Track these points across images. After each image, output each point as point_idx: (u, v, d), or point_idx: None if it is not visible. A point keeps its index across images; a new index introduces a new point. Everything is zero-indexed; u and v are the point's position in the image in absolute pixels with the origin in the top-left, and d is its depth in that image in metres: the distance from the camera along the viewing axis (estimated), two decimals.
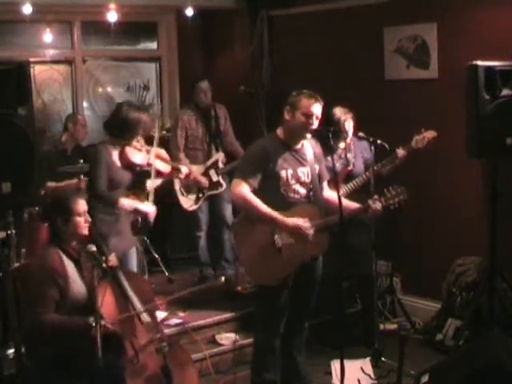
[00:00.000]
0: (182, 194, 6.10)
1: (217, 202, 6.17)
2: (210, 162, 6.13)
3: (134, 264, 4.92)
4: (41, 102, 7.23)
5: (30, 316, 3.92)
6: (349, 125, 5.39)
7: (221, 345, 5.32)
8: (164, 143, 6.33)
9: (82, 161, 5.44)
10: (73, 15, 7.14)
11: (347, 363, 4.34)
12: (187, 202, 6.11)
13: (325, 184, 4.66)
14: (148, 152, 4.88)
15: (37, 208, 5.35)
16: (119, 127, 4.70)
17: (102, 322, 3.72)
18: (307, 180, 4.47)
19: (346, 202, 4.45)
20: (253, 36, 7.11)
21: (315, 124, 4.37)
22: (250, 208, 4.33)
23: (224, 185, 6.09)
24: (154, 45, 7.87)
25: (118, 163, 4.74)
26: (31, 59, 6.26)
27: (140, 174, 5.04)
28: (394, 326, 5.86)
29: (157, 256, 6.45)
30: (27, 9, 6.07)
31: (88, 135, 6.38)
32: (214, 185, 6.11)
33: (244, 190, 4.31)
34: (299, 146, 4.48)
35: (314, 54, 6.74)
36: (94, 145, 5.03)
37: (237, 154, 6.17)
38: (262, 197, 4.33)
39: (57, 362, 3.90)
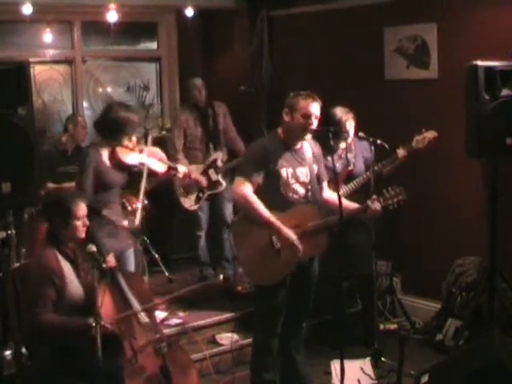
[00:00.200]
0: (183, 194, 6.10)
1: (217, 202, 6.17)
2: (208, 162, 6.13)
3: (131, 265, 4.90)
4: (41, 102, 7.22)
5: (29, 316, 3.93)
6: (350, 125, 5.39)
7: (221, 345, 5.32)
8: (164, 143, 6.34)
9: None
10: (73, 15, 7.14)
11: (347, 363, 4.35)
12: (188, 201, 6.11)
13: (324, 184, 4.66)
14: (141, 152, 4.83)
15: (37, 208, 5.36)
16: (109, 128, 4.66)
17: (101, 322, 3.72)
18: (306, 180, 4.47)
19: (345, 203, 4.45)
20: (253, 36, 7.11)
21: (315, 124, 4.38)
22: (251, 209, 4.33)
23: (223, 184, 6.09)
24: (154, 45, 7.87)
25: (109, 164, 4.69)
26: (31, 59, 6.24)
27: (134, 174, 5.00)
28: (393, 326, 5.86)
29: (157, 256, 6.45)
30: (27, 9, 6.06)
31: (88, 136, 6.37)
32: (214, 184, 6.11)
33: (246, 189, 4.31)
34: (298, 145, 4.48)
35: (314, 54, 6.74)
36: (85, 147, 4.97)
37: (240, 151, 6.15)
38: (262, 196, 4.33)
39: (57, 362, 3.91)
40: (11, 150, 3.78)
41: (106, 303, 3.96)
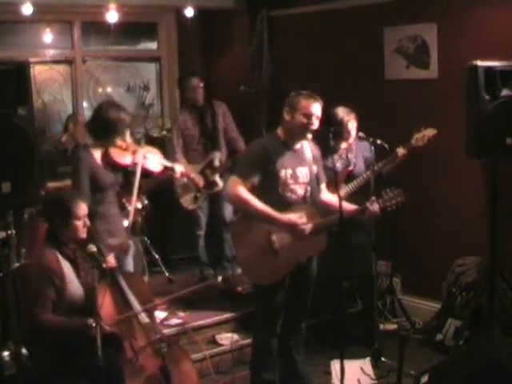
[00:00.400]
0: (182, 194, 6.10)
1: (217, 202, 6.17)
2: (205, 162, 6.12)
3: (130, 265, 4.90)
4: (41, 102, 7.23)
5: (29, 316, 3.93)
6: (352, 125, 5.38)
7: (221, 345, 5.31)
8: (164, 143, 6.34)
9: None
10: (73, 15, 7.14)
11: (347, 363, 4.35)
12: (185, 201, 6.11)
13: (323, 186, 4.66)
14: (134, 152, 4.81)
15: (37, 208, 5.36)
16: (100, 128, 4.64)
17: (101, 324, 3.73)
18: (305, 180, 4.47)
19: (343, 204, 4.45)
20: (253, 36, 7.11)
21: (316, 124, 4.37)
22: (246, 206, 4.33)
23: (220, 184, 6.07)
24: (154, 45, 7.87)
25: (102, 164, 4.65)
26: (31, 59, 6.24)
27: (131, 175, 4.98)
28: (393, 326, 5.86)
29: (157, 256, 6.45)
30: (27, 9, 6.06)
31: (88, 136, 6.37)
32: (210, 184, 6.10)
33: (239, 189, 4.30)
34: (298, 145, 4.48)
35: (314, 54, 6.74)
36: (76, 149, 4.95)
37: (240, 151, 6.14)
38: (260, 196, 4.33)
39: (57, 361, 3.91)
40: (11, 149, 3.78)
41: (106, 304, 3.96)
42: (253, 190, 4.33)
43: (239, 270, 5.58)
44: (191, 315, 5.58)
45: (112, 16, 6.55)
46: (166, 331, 4.91)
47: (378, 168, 5.29)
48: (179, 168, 5.26)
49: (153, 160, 4.94)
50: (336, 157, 5.40)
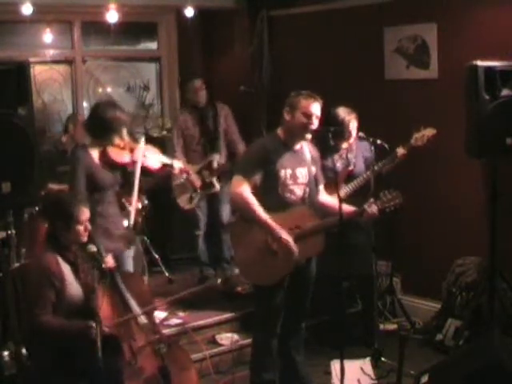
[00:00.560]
0: (178, 193, 6.10)
1: (215, 203, 6.16)
2: (204, 163, 6.11)
3: (130, 265, 4.90)
4: (41, 102, 7.23)
5: (29, 318, 3.93)
6: (353, 125, 5.38)
7: (221, 345, 5.31)
8: (164, 143, 6.34)
9: None
10: (73, 15, 7.14)
11: (347, 363, 4.35)
12: (182, 201, 6.11)
13: (321, 187, 4.66)
14: (132, 150, 4.81)
15: (37, 208, 5.36)
16: (98, 127, 4.64)
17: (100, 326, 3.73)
18: (304, 181, 4.47)
19: (344, 206, 4.46)
20: (253, 36, 7.11)
21: (315, 124, 4.38)
22: (248, 210, 4.32)
23: (217, 186, 6.05)
24: (154, 45, 7.87)
25: (100, 164, 4.65)
26: (31, 59, 6.23)
27: (130, 174, 4.99)
28: (393, 326, 5.86)
29: (157, 256, 6.45)
30: (27, 9, 6.06)
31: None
32: (207, 185, 6.08)
33: (244, 190, 4.30)
34: (298, 146, 4.48)
35: (314, 54, 6.74)
36: (73, 149, 4.95)
37: (239, 153, 6.13)
38: (259, 196, 4.33)
39: (57, 362, 3.91)
40: (11, 149, 3.79)
41: (104, 305, 3.95)
42: (255, 190, 4.33)
43: (237, 271, 5.59)
44: (191, 315, 5.58)
45: (112, 16, 6.55)
46: (166, 331, 4.90)
47: (378, 168, 5.29)
48: (178, 164, 5.26)
49: (151, 157, 4.95)
50: (336, 157, 5.40)
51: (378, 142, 5.28)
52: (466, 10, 5.59)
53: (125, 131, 4.72)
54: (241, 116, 6.53)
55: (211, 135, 6.15)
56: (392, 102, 6.10)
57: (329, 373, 4.92)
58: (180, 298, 4.53)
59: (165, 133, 7.28)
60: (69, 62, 7.33)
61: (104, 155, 4.65)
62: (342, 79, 6.43)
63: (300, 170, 4.45)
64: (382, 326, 5.63)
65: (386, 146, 5.28)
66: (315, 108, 4.36)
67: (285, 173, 4.39)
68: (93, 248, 3.93)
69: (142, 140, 4.95)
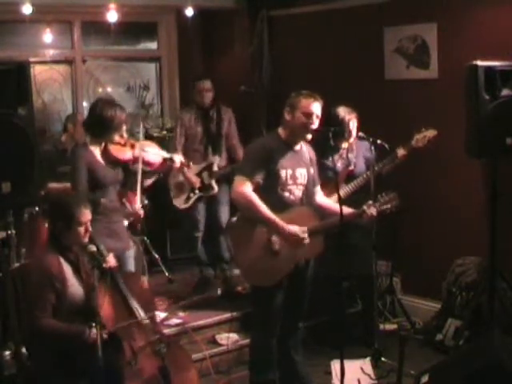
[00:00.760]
0: (174, 192, 6.08)
1: (213, 205, 6.13)
2: (204, 164, 6.10)
3: (132, 265, 4.90)
4: (41, 102, 7.23)
5: (29, 320, 3.93)
6: (353, 125, 5.38)
7: (221, 345, 5.31)
8: (164, 143, 6.33)
9: None
10: (73, 15, 7.14)
11: (347, 363, 4.35)
12: (177, 200, 6.09)
13: (317, 189, 4.67)
14: (132, 147, 4.83)
15: (37, 208, 5.36)
16: (97, 126, 4.65)
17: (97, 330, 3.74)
18: (303, 182, 4.48)
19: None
20: (253, 36, 7.11)
21: (316, 123, 4.38)
22: (252, 209, 4.31)
23: (215, 188, 6.03)
24: (153, 45, 7.87)
25: (103, 162, 4.67)
26: (31, 59, 6.27)
27: (130, 173, 5.00)
28: (393, 326, 5.86)
29: (157, 256, 6.44)
30: (27, 9, 6.06)
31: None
32: (206, 187, 6.07)
33: (247, 189, 4.29)
34: (298, 147, 4.49)
35: (314, 54, 6.74)
36: (74, 148, 4.97)
37: (239, 159, 6.11)
38: (260, 196, 4.32)
39: (57, 362, 3.91)
40: (11, 149, 3.78)
41: (106, 305, 3.95)
42: (257, 190, 4.32)
43: (237, 271, 5.60)
44: (191, 315, 5.59)
45: (112, 16, 6.55)
46: (166, 331, 4.90)
47: (378, 168, 5.29)
48: (178, 158, 5.28)
49: (152, 152, 4.98)
50: (336, 157, 5.40)
51: (378, 141, 5.27)
52: (466, 10, 5.59)
53: (124, 128, 4.73)
54: (241, 116, 6.53)
55: (214, 136, 6.14)
56: (392, 102, 6.10)
57: (329, 373, 4.92)
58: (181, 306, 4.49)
59: (165, 133, 7.27)
60: (69, 61, 7.33)
61: (105, 152, 4.67)
62: (342, 79, 6.43)
63: (300, 170, 4.45)
64: (381, 326, 5.63)
65: (386, 145, 5.28)
66: (315, 107, 4.36)
67: (285, 173, 4.39)
68: (93, 248, 3.94)
69: (141, 136, 4.98)
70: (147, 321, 4.16)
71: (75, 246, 4.07)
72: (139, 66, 7.83)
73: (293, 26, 6.99)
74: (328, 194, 5.03)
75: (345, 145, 5.45)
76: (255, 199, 4.29)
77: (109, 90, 7.66)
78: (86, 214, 4.03)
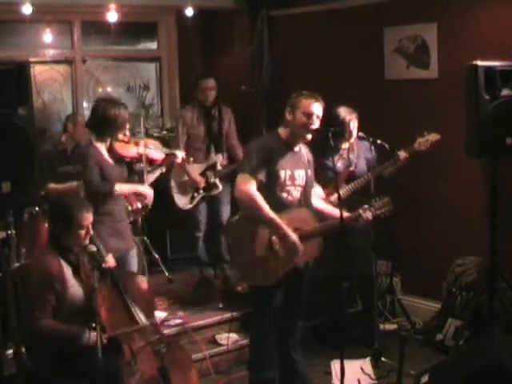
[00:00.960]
0: (177, 193, 6.08)
1: (215, 204, 6.14)
2: (208, 163, 6.11)
3: (134, 265, 4.91)
4: (41, 101, 7.23)
5: (29, 320, 3.93)
6: (354, 125, 5.38)
7: (221, 345, 5.31)
8: (164, 143, 6.33)
9: None
10: (73, 15, 7.14)
11: (347, 363, 4.35)
12: (181, 200, 6.09)
13: (313, 191, 4.67)
14: (136, 144, 4.88)
15: (37, 208, 5.36)
16: (102, 125, 4.68)
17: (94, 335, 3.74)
18: (301, 183, 4.48)
19: (336, 212, 4.48)
20: (253, 36, 7.11)
21: (316, 123, 4.37)
22: (255, 208, 4.30)
23: (220, 187, 6.06)
24: (153, 45, 7.87)
25: (110, 160, 4.72)
26: (31, 59, 6.27)
27: (133, 170, 5.03)
28: (394, 326, 5.86)
29: (157, 256, 6.44)
30: (27, 9, 6.07)
31: (88, 135, 6.36)
32: (210, 186, 6.07)
33: (251, 187, 4.28)
34: (297, 148, 4.48)
35: (314, 54, 6.74)
36: (83, 147, 5.00)
37: (238, 158, 6.12)
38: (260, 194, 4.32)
39: (57, 363, 3.91)
40: (11, 149, 3.78)
41: (105, 308, 3.94)
42: (260, 188, 4.31)
43: (235, 273, 5.61)
44: (191, 315, 5.59)
45: (112, 16, 6.55)
46: (166, 331, 4.90)
47: (379, 170, 5.29)
48: (180, 153, 5.31)
49: (155, 149, 5.03)
50: (337, 157, 5.40)
51: (378, 141, 5.28)
52: (466, 10, 5.59)
53: (127, 127, 4.77)
54: (241, 116, 6.53)
55: (216, 135, 6.15)
56: (392, 102, 6.10)
57: (329, 373, 4.92)
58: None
59: (165, 133, 7.28)
60: (69, 61, 7.33)
61: (111, 150, 4.73)
62: (342, 79, 6.42)
63: (298, 172, 4.45)
64: (381, 326, 5.63)
65: (387, 145, 5.28)
66: (316, 108, 4.36)
67: (285, 173, 4.39)
68: (93, 248, 3.94)
69: (142, 136, 5.04)
70: (146, 322, 4.15)
71: (75, 247, 4.07)
72: (139, 66, 7.84)
73: (293, 26, 6.99)
74: (328, 194, 5.03)
75: (345, 145, 5.45)
76: (258, 198, 4.28)
77: (109, 89, 7.67)
78: (88, 218, 4.04)
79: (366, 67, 6.29)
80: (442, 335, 5.48)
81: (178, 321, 5.44)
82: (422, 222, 6.01)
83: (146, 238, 6.35)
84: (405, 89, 6.04)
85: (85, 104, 7.44)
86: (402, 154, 5.28)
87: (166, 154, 5.22)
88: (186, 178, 6.01)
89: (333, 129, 4.43)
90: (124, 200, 4.90)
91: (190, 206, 6.08)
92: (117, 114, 4.66)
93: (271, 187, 4.37)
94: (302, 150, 4.53)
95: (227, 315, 5.56)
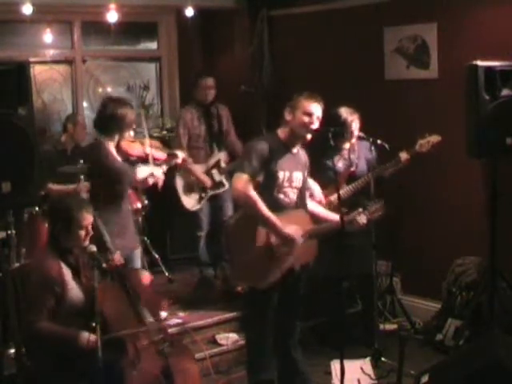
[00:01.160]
0: (185, 194, 6.08)
1: (218, 202, 6.15)
2: (212, 162, 6.11)
3: (138, 265, 4.96)
4: (41, 101, 7.22)
5: (27, 322, 3.93)
6: (355, 125, 5.38)
7: (221, 345, 5.31)
8: (164, 143, 6.33)
9: (81, 161, 5.46)
10: (73, 15, 7.14)
11: (347, 363, 4.34)
12: (189, 201, 6.08)
13: (307, 194, 4.67)
14: (142, 143, 4.92)
15: (37, 208, 5.37)
16: (110, 123, 4.72)
17: (93, 337, 3.75)
18: (298, 185, 4.47)
19: (332, 215, 4.51)
20: (253, 36, 7.11)
21: (316, 124, 4.37)
22: (252, 207, 4.30)
23: (226, 185, 6.07)
24: (153, 45, 7.88)
25: (119, 158, 4.77)
26: (31, 59, 6.27)
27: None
28: (394, 326, 5.86)
29: (157, 256, 6.45)
30: (27, 9, 6.07)
31: (88, 136, 6.37)
32: (217, 184, 6.09)
33: (247, 186, 4.28)
34: (295, 150, 4.48)
35: (314, 54, 6.74)
36: (94, 144, 5.03)
37: (239, 154, 6.13)
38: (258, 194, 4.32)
39: (56, 364, 3.91)
40: (11, 150, 3.78)
41: (111, 306, 3.95)
42: (257, 189, 4.31)
43: (232, 274, 5.60)
44: (191, 315, 5.59)
45: (112, 16, 6.56)
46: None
47: (379, 170, 5.29)
48: (181, 154, 5.35)
49: (158, 149, 5.18)
50: (338, 157, 5.40)
51: (378, 142, 5.27)
52: (466, 10, 5.59)
53: (134, 126, 4.86)
54: (241, 116, 6.53)
55: (217, 133, 6.16)
56: (392, 102, 6.10)
57: (329, 373, 4.92)
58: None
59: (165, 133, 7.28)
60: (69, 61, 7.33)
61: (118, 149, 4.77)
62: (342, 79, 6.43)
63: (296, 173, 4.45)
64: (382, 326, 5.63)
65: (386, 146, 5.27)
66: (316, 108, 4.36)
67: (283, 175, 4.38)
68: (92, 248, 3.93)
69: (146, 135, 5.09)
70: (151, 320, 4.15)
71: (75, 248, 4.06)
72: (139, 66, 7.83)
73: (293, 26, 6.99)
74: (328, 194, 5.03)
75: (346, 145, 5.45)
76: (255, 197, 4.28)
77: (109, 89, 7.67)
78: (88, 218, 4.04)
79: (366, 67, 6.29)
80: (442, 335, 5.48)
81: (177, 321, 5.44)
82: (422, 221, 6.01)
83: (146, 238, 6.35)
84: (405, 89, 6.04)
85: (85, 104, 7.45)
86: (404, 156, 5.28)
87: (168, 154, 5.25)
88: (192, 178, 6.02)
89: (333, 129, 4.43)
90: (129, 199, 4.93)
91: (198, 207, 6.08)
92: (125, 113, 4.72)
93: (269, 188, 4.37)
94: (300, 151, 4.53)
95: (227, 315, 5.56)
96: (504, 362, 3.69)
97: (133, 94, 7.70)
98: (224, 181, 6.08)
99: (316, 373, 4.97)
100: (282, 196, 4.41)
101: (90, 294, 3.88)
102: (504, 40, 5.28)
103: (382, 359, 5.16)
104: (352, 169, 5.44)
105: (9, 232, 4.64)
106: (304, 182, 4.53)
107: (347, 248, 4.40)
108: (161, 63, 7.80)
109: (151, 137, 6.49)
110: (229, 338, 5.34)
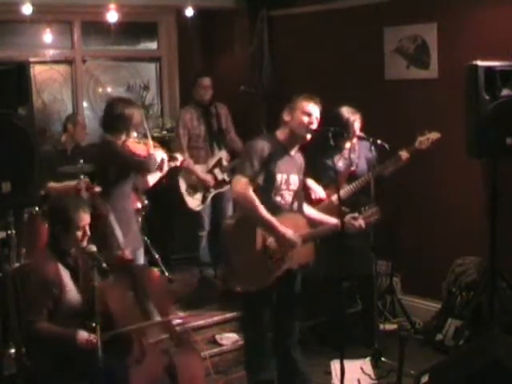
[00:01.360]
0: (189, 194, 6.08)
1: (220, 201, 6.16)
2: (214, 161, 6.12)
3: (142, 258, 5.01)
4: (41, 101, 7.22)
5: (27, 322, 3.93)
6: (357, 125, 5.38)
7: (221, 345, 5.31)
8: (164, 143, 6.33)
9: (81, 161, 5.46)
10: (73, 15, 7.14)
11: (347, 363, 4.34)
12: (194, 202, 6.08)
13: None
14: (145, 144, 4.93)
15: (37, 208, 5.37)
16: (118, 123, 4.75)
17: (91, 337, 3.76)
18: (295, 188, 4.47)
19: (328, 218, 4.50)
20: (253, 36, 7.11)
21: (315, 124, 4.37)
22: (252, 209, 4.30)
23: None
24: (153, 45, 7.88)
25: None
26: (31, 59, 6.28)
27: None
28: (394, 326, 5.86)
29: (157, 256, 6.45)
30: (27, 9, 6.07)
31: (88, 136, 6.37)
32: (220, 183, 6.10)
33: (247, 188, 4.28)
34: (293, 152, 4.48)
35: (314, 54, 6.74)
36: (101, 142, 5.04)
37: (240, 151, 6.14)
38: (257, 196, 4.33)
39: (57, 362, 3.91)
40: (11, 150, 3.78)
41: (118, 302, 3.96)
42: (256, 191, 4.32)
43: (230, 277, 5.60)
44: (191, 315, 5.58)
45: (112, 16, 6.55)
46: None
47: (380, 170, 5.29)
48: (180, 156, 5.37)
49: (160, 150, 5.12)
50: (339, 157, 5.40)
51: (378, 141, 5.27)
52: (466, 10, 5.59)
53: (141, 126, 4.89)
54: (241, 116, 6.53)
55: (216, 132, 6.16)
56: (392, 102, 6.10)
57: (329, 373, 4.92)
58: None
59: (165, 133, 7.28)
60: (69, 61, 7.33)
61: (125, 150, 4.78)
62: (342, 79, 6.43)
63: (293, 176, 4.45)
64: (382, 326, 5.63)
65: (386, 146, 5.27)
66: (314, 109, 4.36)
67: (281, 177, 4.38)
68: (92, 248, 3.94)
69: (148, 135, 5.10)
70: (158, 318, 4.16)
71: (74, 249, 4.07)
72: (139, 66, 7.84)
73: (293, 26, 6.99)
74: (329, 194, 5.03)
75: (347, 145, 5.45)
76: (254, 199, 4.27)
77: (109, 90, 7.67)
78: (85, 218, 4.04)
79: (366, 67, 6.29)
80: (442, 335, 5.48)
81: (177, 321, 5.43)
82: (422, 221, 6.01)
83: (146, 238, 6.35)
84: (405, 89, 6.04)
85: (85, 104, 7.45)
86: (404, 154, 5.28)
87: (169, 156, 5.26)
88: (195, 178, 6.02)
89: (333, 129, 4.43)
90: (130, 198, 4.95)
91: (202, 207, 6.09)
92: (132, 113, 4.76)
93: (267, 190, 4.36)
94: (296, 154, 4.53)
95: (227, 315, 5.56)
96: (504, 361, 3.69)
97: (133, 93, 7.70)
98: (227, 179, 6.08)
99: (316, 373, 4.97)
100: (279, 198, 4.41)
101: (89, 294, 3.88)
102: (504, 40, 5.28)
103: (382, 359, 5.16)
104: (352, 168, 5.44)
105: (9, 232, 4.64)
106: (300, 184, 4.53)
107: (347, 249, 4.40)
108: (161, 63, 7.80)
109: (151, 138, 6.53)
110: (229, 338, 5.34)
